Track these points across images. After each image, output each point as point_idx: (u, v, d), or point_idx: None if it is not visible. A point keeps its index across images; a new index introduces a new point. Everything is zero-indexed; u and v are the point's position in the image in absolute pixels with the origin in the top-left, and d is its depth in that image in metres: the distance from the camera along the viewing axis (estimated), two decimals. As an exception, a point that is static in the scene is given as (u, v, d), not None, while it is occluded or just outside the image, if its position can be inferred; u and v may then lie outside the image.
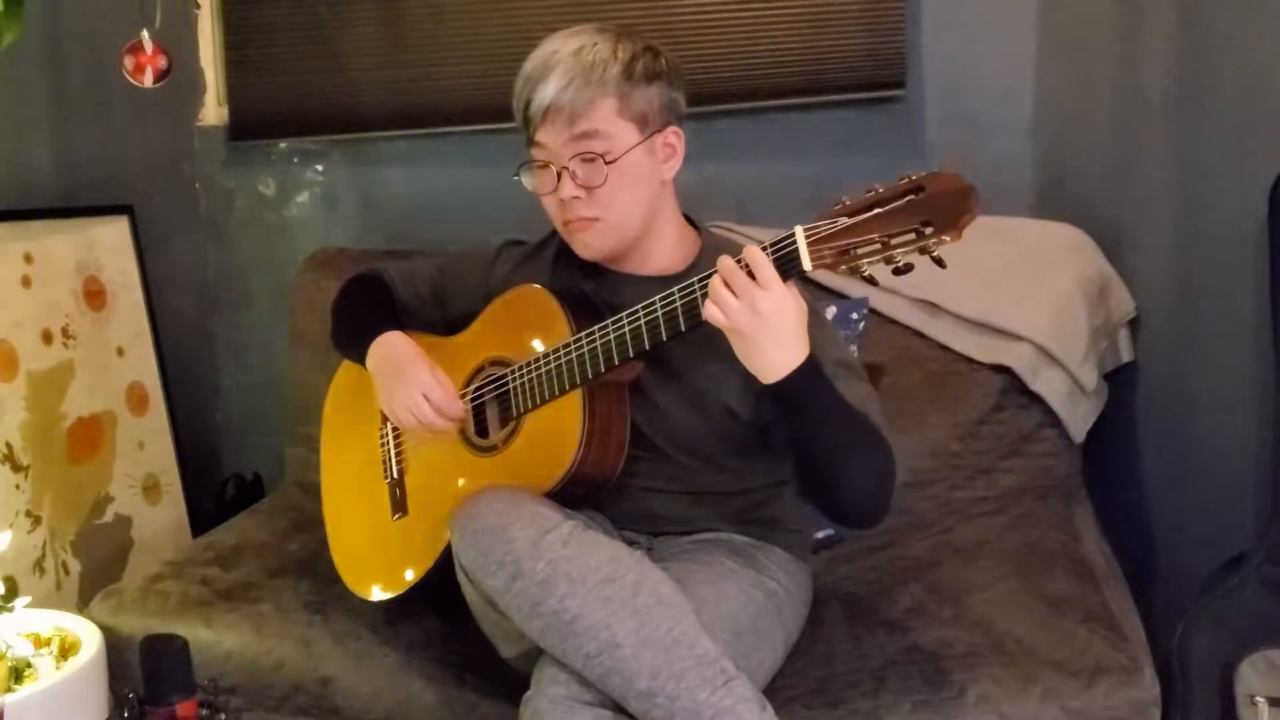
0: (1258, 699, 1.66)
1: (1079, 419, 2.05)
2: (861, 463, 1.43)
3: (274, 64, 2.49)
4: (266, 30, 2.48)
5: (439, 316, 1.79)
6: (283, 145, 2.57)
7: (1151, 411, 2.15)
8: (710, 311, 1.36)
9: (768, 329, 1.34)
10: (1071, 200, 2.21)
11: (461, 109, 2.42)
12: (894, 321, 2.08)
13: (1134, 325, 2.15)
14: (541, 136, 1.53)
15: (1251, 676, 1.68)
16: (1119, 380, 2.14)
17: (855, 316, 2.07)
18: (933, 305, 2.07)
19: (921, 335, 2.08)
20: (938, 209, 1.28)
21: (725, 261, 1.36)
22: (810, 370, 1.37)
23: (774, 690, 1.52)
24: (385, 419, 1.78)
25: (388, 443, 1.78)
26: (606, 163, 1.50)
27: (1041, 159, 2.28)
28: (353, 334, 1.78)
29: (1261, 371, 1.86)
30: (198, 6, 2.51)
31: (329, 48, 2.46)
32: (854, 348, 1.97)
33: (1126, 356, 2.15)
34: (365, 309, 1.80)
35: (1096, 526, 1.95)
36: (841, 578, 1.84)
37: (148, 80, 2.04)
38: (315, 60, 2.47)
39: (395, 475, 1.76)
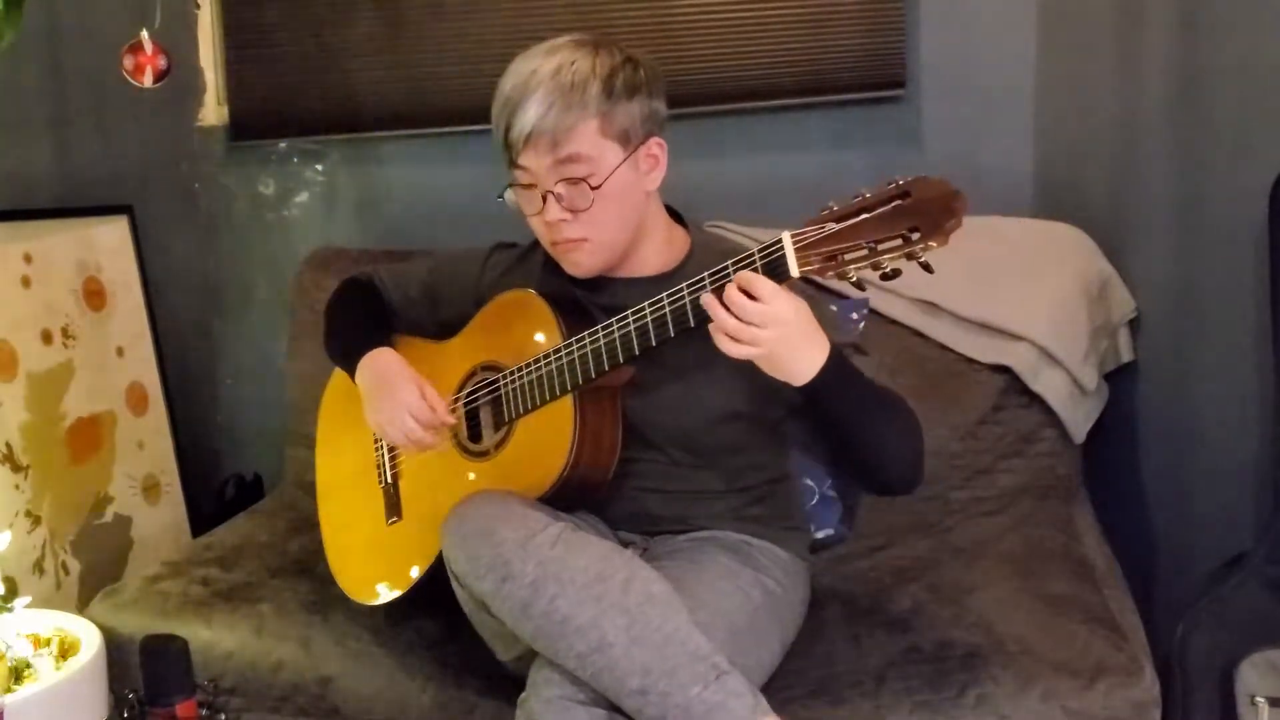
0: (1258, 699, 1.66)
1: (1079, 419, 2.05)
2: (897, 433, 1.47)
3: (274, 64, 2.49)
4: (266, 30, 2.48)
5: (429, 318, 1.80)
6: (283, 145, 2.57)
7: (1151, 411, 2.15)
8: (728, 347, 1.36)
9: (785, 339, 1.35)
10: (1071, 200, 2.21)
11: (461, 109, 2.42)
12: (894, 321, 2.08)
13: (1134, 325, 2.15)
14: (524, 161, 1.51)
15: (1251, 676, 1.68)
16: (1119, 380, 2.14)
17: (855, 316, 2.06)
18: (933, 305, 2.07)
19: (921, 335, 2.08)
20: (924, 215, 1.28)
21: (715, 297, 1.36)
22: (836, 362, 1.39)
23: (773, 690, 1.52)
24: None
25: (382, 448, 1.79)
26: (592, 187, 1.49)
27: (1041, 159, 2.28)
28: (344, 346, 1.79)
29: (1261, 371, 1.86)
30: (198, 6, 2.50)
31: (329, 48, 2.45)
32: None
33: (1126, 356, 2.15)
34: (356, 319, 1.80)
35: (1096, 526, 1.95)
36: (841, 578, 1.84)
37: (148, 80, 2.04)
38: (315, 60, 2.47)
39: (389, 480, 1.76)
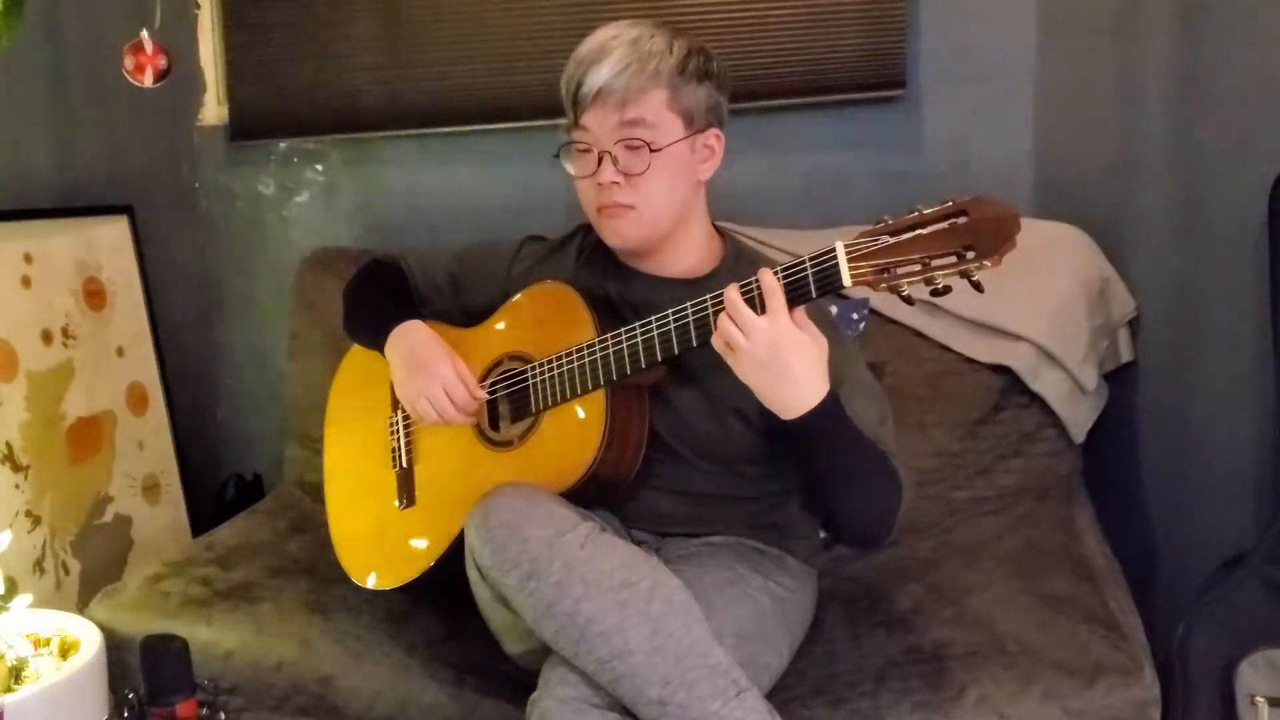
0: (1258, 699, 1.66)
1: (1079, 419, 2.05)
2: (863, 495, 1.46)
3: (274, 64, 2.49)
4: (266, 30, 2.48)
5: (455, 307, 1.79)
6: (283, 145, 2.57)
7: (1151, 411, 2.15)
8: (718, 345, 1.37)
9: (775, 367, 1.34)
10: (1071, 200, 2.21)
11: (461, 109, 2.42)
12: (894, 321, 2.08)
13: (1134, 325, 2.15)
14: (588, 120, 1.54)
15: (1251, 676, 1.68)
16: (1119, 380, 2.14)
17: (855, 316, 2.07)
18: (933, 305, 2.07)
19: (921, 335, 2.08)
20: (980, 234, 1.28)
21: (730, 294, 1.36)
22: (828, 410, 1.37)
23: (774, 690, 1.53)
24: (395, 407, 1.77)
25: (398, 432, 1.78)
26: (651, 151, 1.51)
27: (1041, 159, 2.28)
28: (371, 320, 1.77)
29: (1261, 371, 1.86)
30: (198, 6, 2.50)
31: (329, 48, 2.45)
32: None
33: (1126, 356, 2.15)
34: (383, 295, 1.80)
35: (1096, 526, 1.95)
36: (842, 578, 1.84)
37: (148, 80, 2.03)
38: (315, 60, 2.47)
39: (404, 465, 1.75)
